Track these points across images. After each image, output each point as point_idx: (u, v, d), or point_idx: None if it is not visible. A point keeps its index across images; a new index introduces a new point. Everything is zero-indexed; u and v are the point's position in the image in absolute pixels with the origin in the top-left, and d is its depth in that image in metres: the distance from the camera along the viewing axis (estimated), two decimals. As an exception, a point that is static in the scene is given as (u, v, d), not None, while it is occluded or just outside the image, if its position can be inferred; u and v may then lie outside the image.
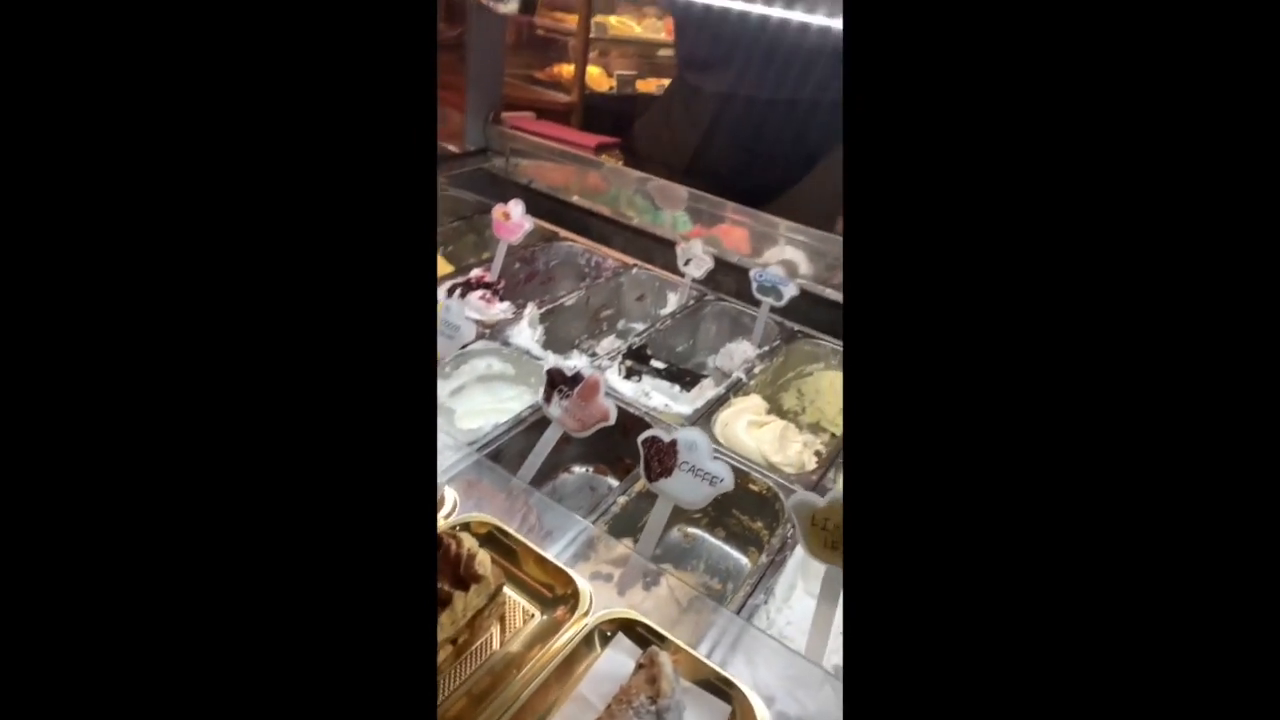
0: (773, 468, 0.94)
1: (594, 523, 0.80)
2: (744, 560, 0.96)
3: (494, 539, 0.61)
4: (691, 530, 1.01)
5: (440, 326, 0.91)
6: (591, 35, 2.60)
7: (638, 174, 1.48)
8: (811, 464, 0.97)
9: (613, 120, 1.93)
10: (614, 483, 1.05)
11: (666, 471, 0.72)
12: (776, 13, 1.11)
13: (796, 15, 1.10)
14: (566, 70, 2.63)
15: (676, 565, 0.96)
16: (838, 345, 1.22)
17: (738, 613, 0.71)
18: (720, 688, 0.52)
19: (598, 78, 2.73)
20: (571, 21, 2.58)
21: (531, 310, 1.17)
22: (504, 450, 0.92)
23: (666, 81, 2.14)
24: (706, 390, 1.08)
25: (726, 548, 0.98)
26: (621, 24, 2.84)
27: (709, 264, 1.26)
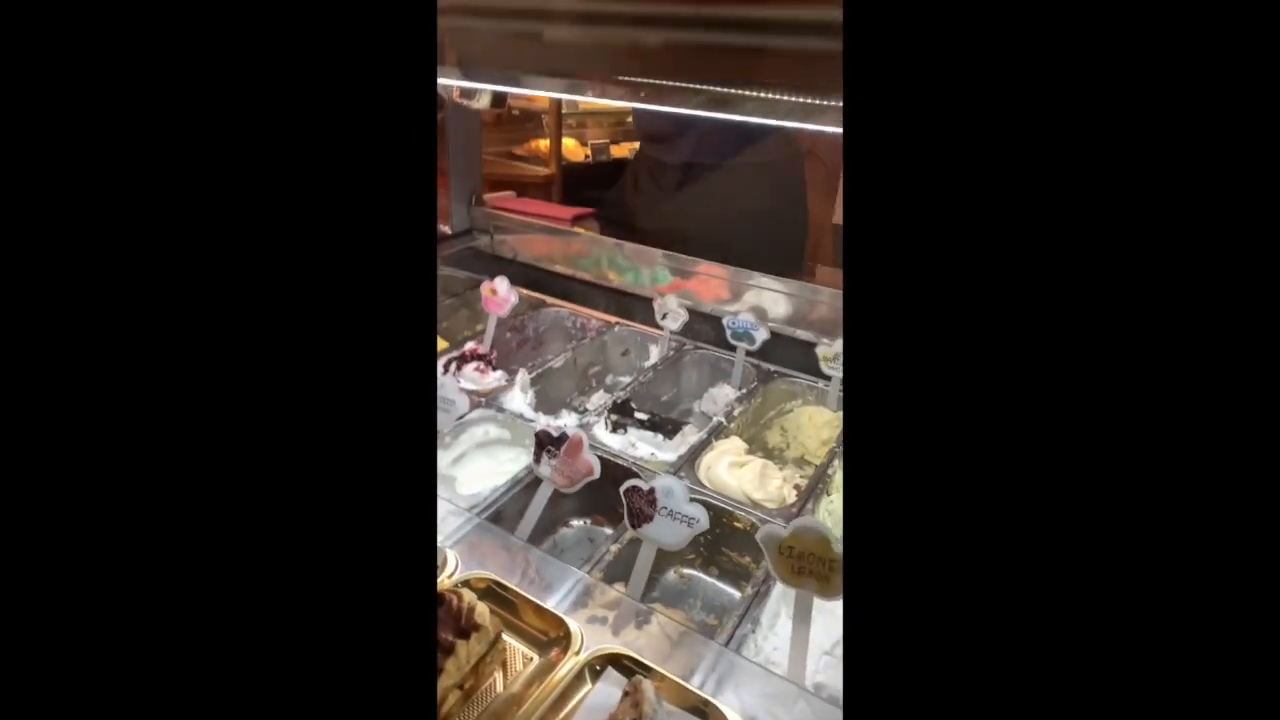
0: (755, 504, 1.01)
1: (588, 572, 0.86)
2: (736, 595, 1.01)
3: (493, 592, 0.68)
4: (687, 571, 1.06)
5: (438, 403, 0.99)
6: (564, 110, 2.78)
7: (613, 241, 1.59)
8: (791, 497, 1.04)
9: (591, 187, 2.06)
10: (610, 532, 1.11)
11: (648, 518, 0.79)
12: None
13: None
14: (543, 144, 2.80)
15: (675, 605, 1.01)
16: (813, 381, 1.30)
17: (726, 644, 0.77)
18: (701, 709, 0.58)
19: (573, 149, 2.91)
20: (543, 100, 2.77)
21: (522, 376, 1.26)
22: (504, 511, 0.99)
23: (637, 145, 2.29)
24: (689, 436, 1.15)
25: (720, 585, 1.04)
26: (592, 96, 3.03)
27: (684, 316, 1.36)
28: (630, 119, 3.14)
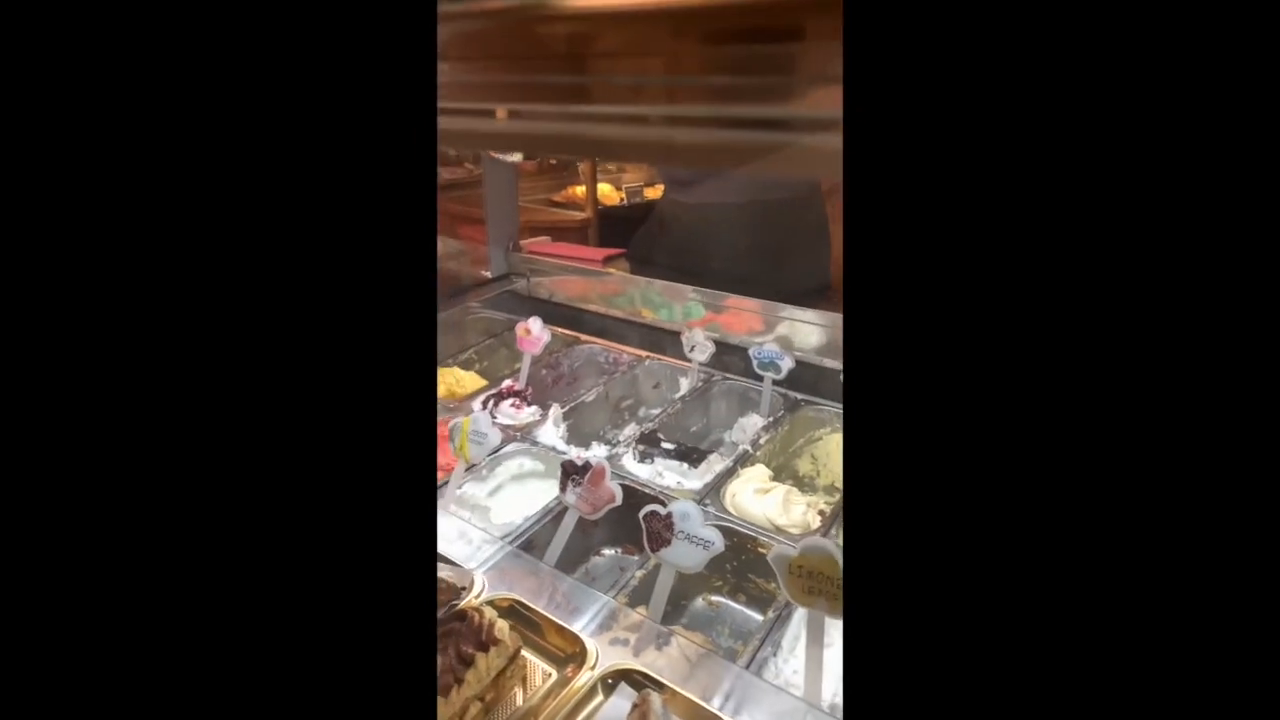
0: (779, 530, 1.02)
1: (614, 597, 0.89)
2: (762, 620, 1.02)
3: (515, 611, 0.72)
4: (715, 598, 1.07)
5: (471, 435, 1.06)
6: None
7: (644, 279, 1.66)
8: (816, 523, 1.04)
9: (626, 230, 2.15)
10: (639, 559, 1.14)
11: (666, 542, 0.82)
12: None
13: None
14: (580, 191, 2.93)
15: (704, 631, 1.02)
16: (840, 408, 1.31)
17: (746, 666, 0.78)
18: (710, 721, 0.60)
19: (608, 194, 3.02)
20: (581, 148, 2.90)
21: (555, 410, 1.31)
22: (535, 539, 1.03)
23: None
24: (715, 465, 1.18)
25: (748, 611, 1.04)
26: (627, 142, 3.16)
27: (711, 348, 1.40)
28: (664, 161, 3.25)
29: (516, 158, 1.51)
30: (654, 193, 3.11)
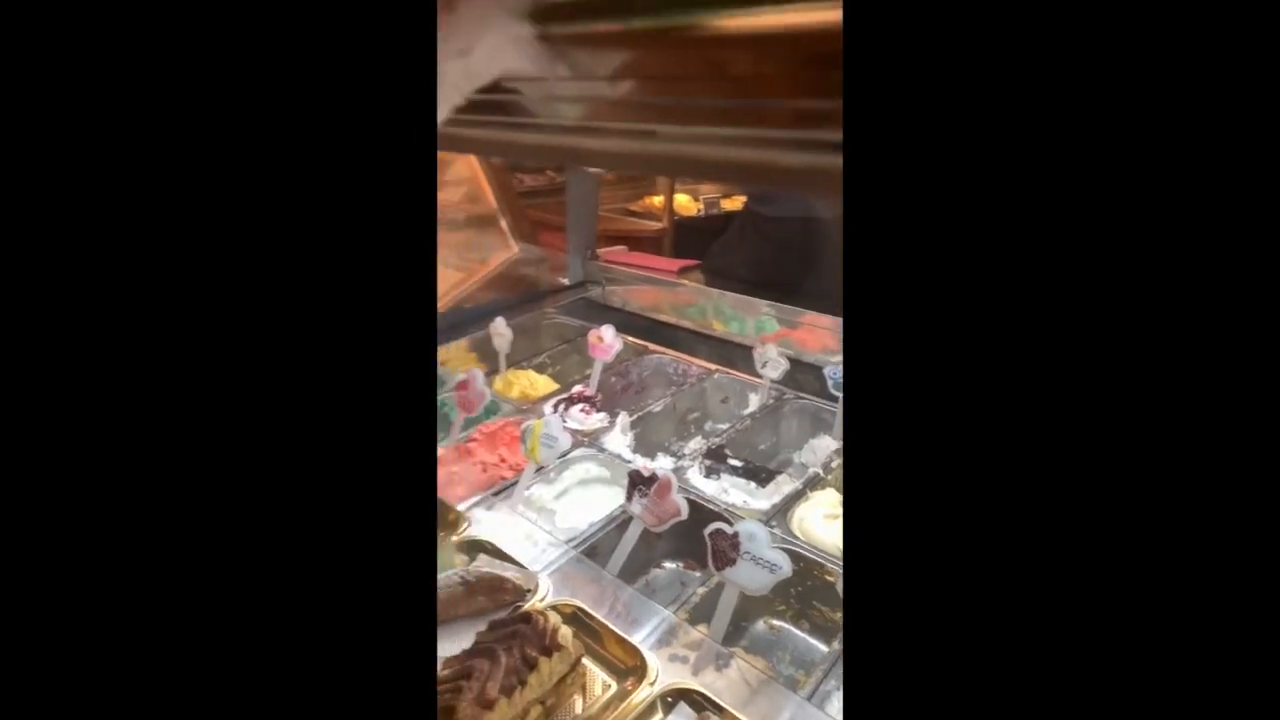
0: (849, 558, 0.98)
1: (674, 612, 0.88)
2: (825, 650, 0.98)
3: (578, 618, 0.73)
4: (777, 623, 1.05)
5: (542, 438, 1.08)
6: (679, 168, 2.92)
7: (717, 291, 1.65)
8: (888, 554, 1.00)
9: (702, 241, 2.15)
10: (700, 575, 1.12)
11: (731, 561, 0.80)
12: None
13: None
14: (657, 201, 2.95)
15: (763, 656, 1.00)
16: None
17: (809, 698, 0.75)
18: (770, 755, 0.58)
19: (685, 204, 3.03)
20: (660, 159, 2.92)
21: (623, 418, 1.32)
22: (598, 546, 1.04)
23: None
24: (783, 486, 1.15)
25: (811, 639, 1.01)
26: (706, 153, 3.16)
27: (784, 365, 1.37)
28: (743, 173, 3.23)
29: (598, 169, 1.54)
30: (731, 204, 3.09)
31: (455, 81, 0.26)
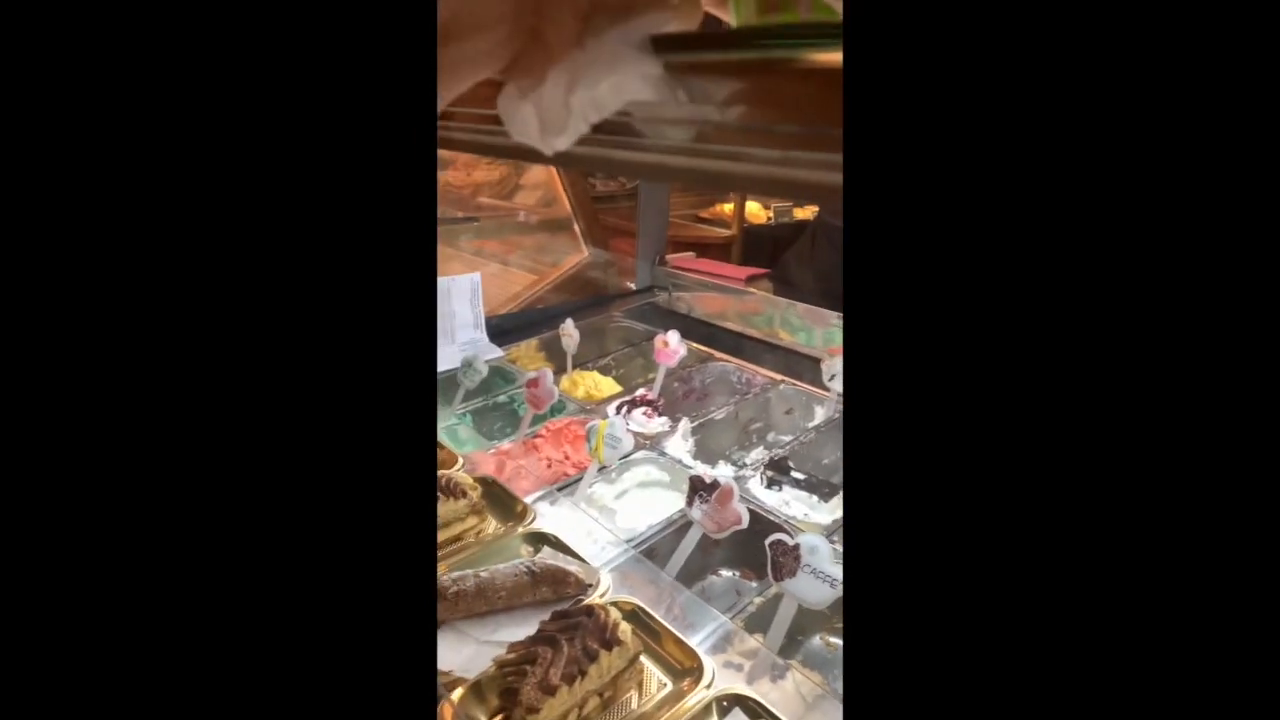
0: (912, 580, 0.96)
1: (731, 619, 0.88)
2: (886, 674, 0.96)
3: (637, 616, 0.74)
4: (834, 640, 1.03)
5: (607, 438, 1.10)
6: (750, 176, 2.90)
7: (785, 300, 1.64)
8: (955, 579, 0.97)
9: (771, 250, 2.14)
10: (756, 585, 1.12)
11: (791, 573, 0.80)
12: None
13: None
14: (727, 208, 2.95)
15: (820, 672, 0.98)
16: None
17: (865, 718, 0.74)
18: (824, 769, 0.58)
19: (756, 212, 3.01)
20: (732, 167, 2.92)
21: (684, 424, 1.33)
22: (657, 548, 1.05)
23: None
24: (846, 501, 1.13)
25: (868, 660, 0.99)
26: (779, 162, 3.14)
27: (852, 380, 1.35)
28: (815, 182, 3.18)
29: (672, 175, 1.57)
30: (803, 213, 3.05)
31: (583, 112, 0.28)
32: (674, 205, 2.20)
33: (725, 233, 2.85)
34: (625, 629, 0.66)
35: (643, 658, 0.69)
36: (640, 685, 0.67)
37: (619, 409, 1.41)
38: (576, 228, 2.02)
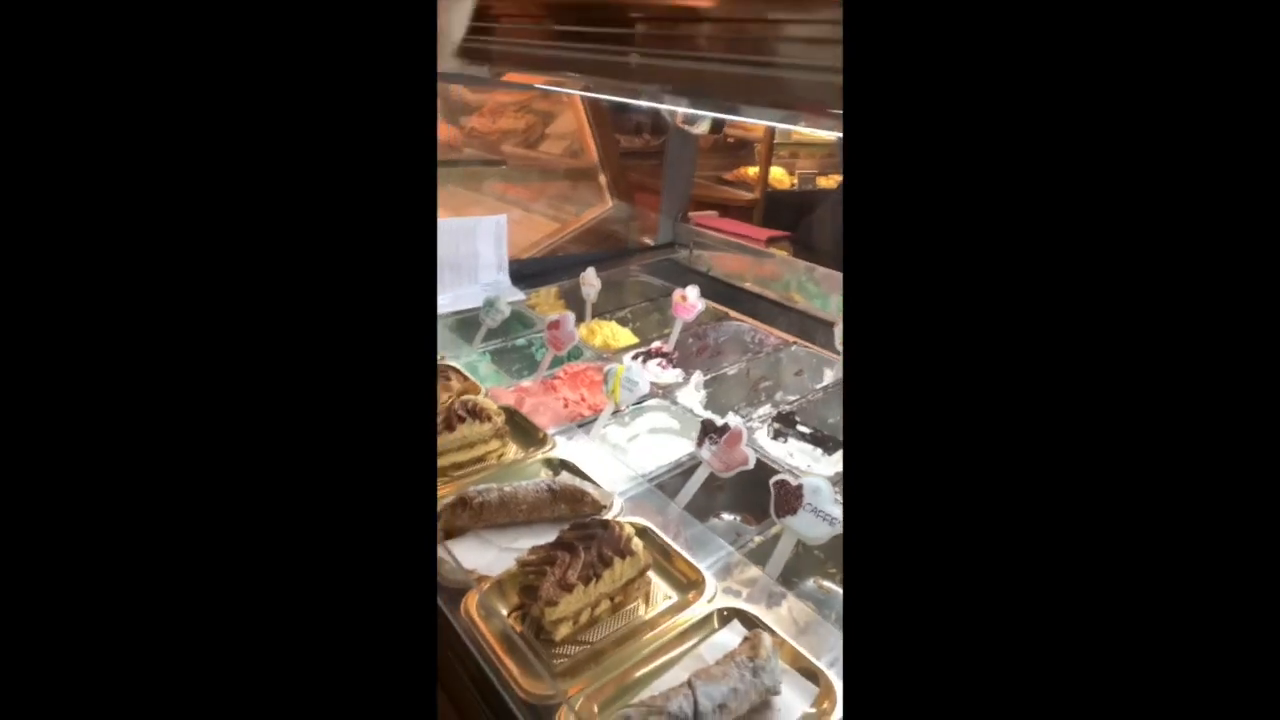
0: (906, 531, 1.01)
1: (733, 550, 0.94)
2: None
3: (647, 534, 0.80)
4: (828, 584, 1.09)
5: (624, 381, 1.15)
6: (776, 140, 2.89)
7: (805, 264, 1.66)
8: (946, 533, 1.02)
9: (792, 215, 2.14)
10: (756, 528, 1.18)
11: (792, 510, 0.85)
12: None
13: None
14: (752, 171, 2.94)
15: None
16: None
17: (851, 645, 0.80)
18: (812, 673, 0.64)
19: (780, 177, 3.00)
20: (758, 129, 2.90)
21: (697, 376, 1.37)
22: (665, 486, 1.11)
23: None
24: (849, 456, 1.18)
25: (857, 602, 1.05)
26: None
27: (863, 344, 1.38)
28: (841, 152, 3.16)
29: (703, 128, 1.57)
30: (827, 181, 3.04)
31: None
32: (699, 167, 2.20)
33: (749, 195, 2.85)
34: (637, 543, 0.71)
35: (651, 573, 0.74)
36: (647, 596, 0.73)
37: (635, 358, 1.45)
38: (602, 179, 2.04)
